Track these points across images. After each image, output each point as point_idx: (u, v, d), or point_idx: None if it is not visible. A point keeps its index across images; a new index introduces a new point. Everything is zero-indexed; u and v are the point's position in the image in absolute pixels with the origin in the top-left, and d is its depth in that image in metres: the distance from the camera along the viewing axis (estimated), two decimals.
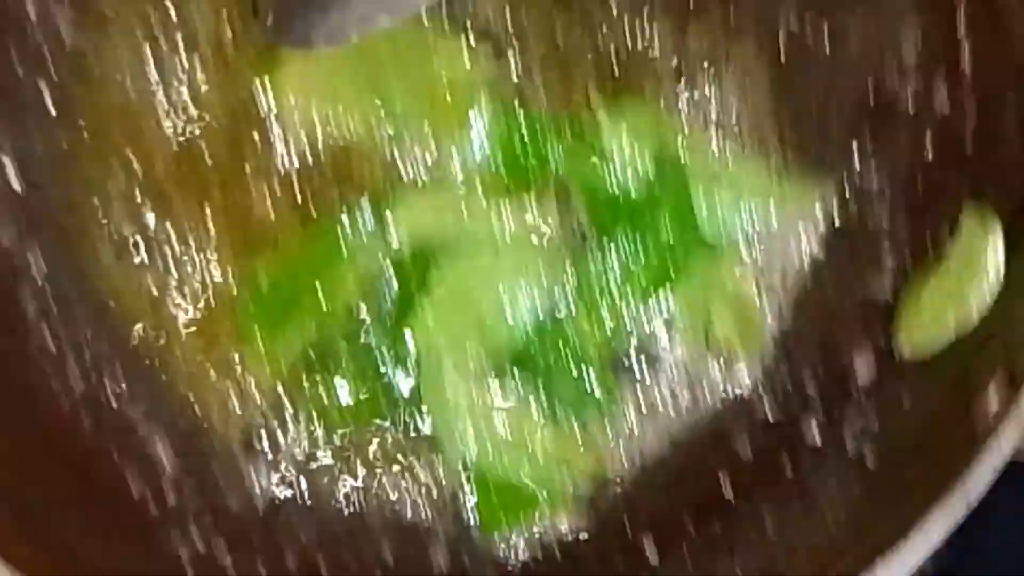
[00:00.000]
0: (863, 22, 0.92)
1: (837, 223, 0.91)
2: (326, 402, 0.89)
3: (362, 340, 0.90)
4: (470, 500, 0.89)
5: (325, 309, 0.89)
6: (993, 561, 0.95)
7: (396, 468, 0.90)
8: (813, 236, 0.91)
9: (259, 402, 0.90)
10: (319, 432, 0.89)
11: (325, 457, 0.90)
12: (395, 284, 0.89)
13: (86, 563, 0.79)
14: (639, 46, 0.93)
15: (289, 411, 0.90)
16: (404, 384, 0.89)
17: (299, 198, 0.91)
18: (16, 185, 0.88)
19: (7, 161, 0.89)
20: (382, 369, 0.89)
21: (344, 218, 0.89)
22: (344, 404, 0.89)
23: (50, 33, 0.90)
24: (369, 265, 0.90)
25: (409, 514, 0.90)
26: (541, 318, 0.89)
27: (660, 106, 0.92)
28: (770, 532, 0.85)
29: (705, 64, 0.92)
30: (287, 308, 0.89)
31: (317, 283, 0.89)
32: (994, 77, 0.87)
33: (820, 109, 0.92)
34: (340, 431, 0.89)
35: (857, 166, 0.91)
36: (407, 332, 0.87)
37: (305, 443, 0.89)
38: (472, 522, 0.89)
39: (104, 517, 0.84)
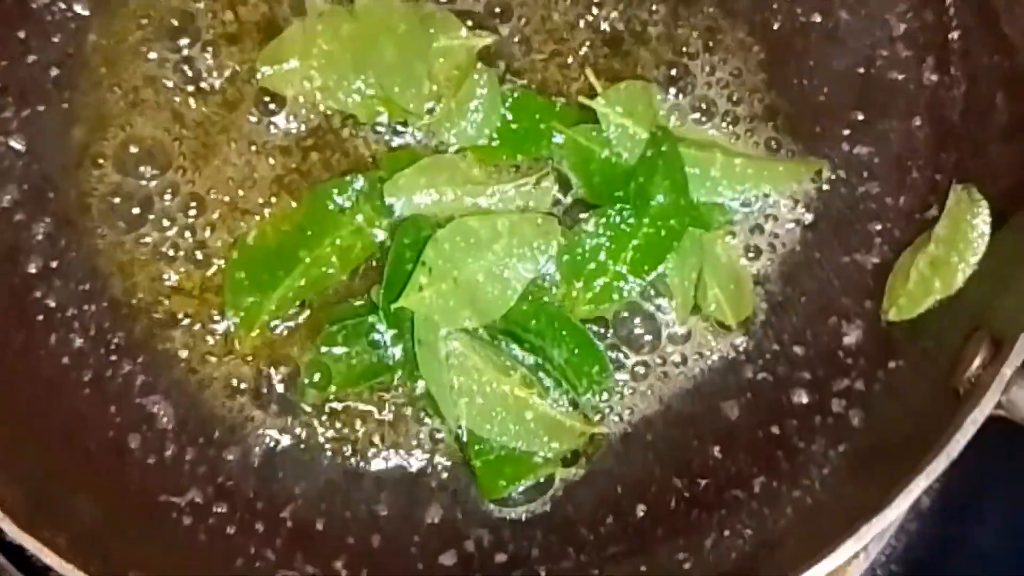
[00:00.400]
0: (853, 3, 0.93)
1: (827, 194, 0.92)
2: (321, 366, 0.90)
3: (356, 306, 0.91)
4: (467, 462, 0.89)
5: (315, 275, 0.90)
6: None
7: (393, 425, 0.91)
8: (804, 206, 0.92)
9: (255, 362, 0.91)
10: (313, 391, 0.90)
11: (322, 413, 0.91)
12: (390, 252, 0.90)
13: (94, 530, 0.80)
14: (636, 22, 0.94)
15: (284, 371, 0.91)
16: (397, 350, 0.89)
17: (294, 165, 0.92)
18: (18, 146, 0.90)
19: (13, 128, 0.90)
20: (375, 336, 0.90)
21: (336, 187, 0.90)
22: (337, 368, 0.89)
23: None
24: (363, 233, 0.91)
25: (404, 468, 0.91)
26: (533, 286, 0.90)
27: (654, 80, 0.93)
28: (757, 490, 0.86)
29: (699, 40, 0.94)
30: (275, 273, 0.90)
31: (305, 249, 0.90)
32: (982, 59, 0.89)
33: (812, 84, 0.94)
34: (335, 390, 0.90)
35: (848, 140, 0.93)
36: (401, 299, 0.86)
37: (301, 401, 0.90)
38: (467, 479, 0.90)
39: (110, 486, 0.85)
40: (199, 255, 0.91)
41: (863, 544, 0.72)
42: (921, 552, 0.97)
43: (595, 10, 0.94)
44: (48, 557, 0.71)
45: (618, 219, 0.90)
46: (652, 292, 0.92)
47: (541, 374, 0.89)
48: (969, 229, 0.83)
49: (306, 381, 0.90)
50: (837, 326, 0.90)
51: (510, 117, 0.92)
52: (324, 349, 0.89)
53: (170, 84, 0.92)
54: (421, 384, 0.90)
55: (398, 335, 0.89)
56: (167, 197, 0.91)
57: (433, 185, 0.90)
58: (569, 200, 0.92)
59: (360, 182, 0.90)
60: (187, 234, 0.91)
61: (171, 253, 0.91)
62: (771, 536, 0.82)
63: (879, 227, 0.91)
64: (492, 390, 0.87)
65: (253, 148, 0.92)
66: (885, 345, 0.87)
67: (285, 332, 0.91)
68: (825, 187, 0.92)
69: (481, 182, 0.91)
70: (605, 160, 0.91)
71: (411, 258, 0.88)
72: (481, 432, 0.88)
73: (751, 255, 0.92)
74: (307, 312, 0.91)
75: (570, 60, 0.94)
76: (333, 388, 0.90)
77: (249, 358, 0.91)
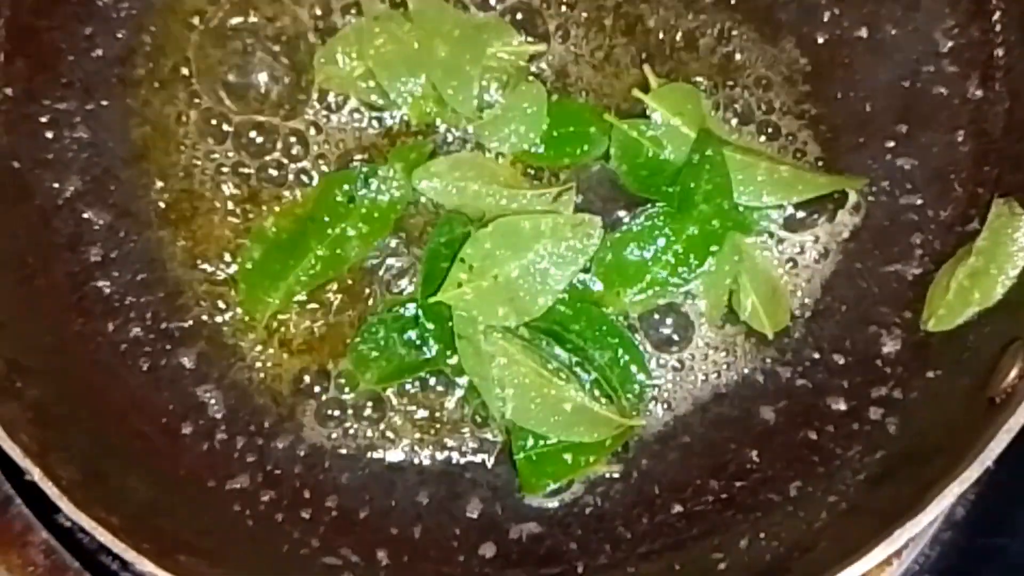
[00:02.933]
0: (900, 18, 0.95)
1: (870, 205, 0.93)
2: (362, 360, 0.92)
3: (397, 299, 0.93)
4: (509, 458, 0.91)
5: (326, 263, 0.92)
6: None
7: (435, 420, 0.93)
8: (847, 215, 0.93)
9: (303, 355, 0.93)
10: (356, 385, 0.92)
11: (366, 407, 0.93)
12: (425, 249, 0.92)
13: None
14: (686, 33, 0.96)
15: (330, 365, 0.93)
16: (436, 345, 0.91)
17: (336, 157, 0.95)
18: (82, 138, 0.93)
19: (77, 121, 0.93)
20: (413, 332, 0.91)
21: (345, 178, 0.92)
22: (377, 363, 0.91)
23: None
24: (371, 222, 0.93)
25: (446, 462, 0.92)
26: (573, 286, 0.91)
27: (703, 89, 0.95)
28: (793, 494, 0.87)
29: (746, 50, 0.96)
30: (286, 262, 0.92)
31: (315, 239, 0.92)
32: None
33: (857, 96, 0.95)
34: (376, 384, 0.92)
35: (891, 152, 0.94)
36: (440, 293, 0.88)
37: (346, 395, 0.93)
38: (507, 475, 0.91)
39: (163, 470, 0.88)
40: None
41: (895, 548, 0.74)
42: (954, 562, 0.97)
43: (644, 21, 0.96)
44: (103, 536, 0.73)
45: (661, 221, 0.91)
46: (691, 294, 0.93)
47: (579, 370, 0.90)
48: (1010, 242, 0.84)
49: (347, 376, 0.92)
50: (876, 335, 0.90)
51: (551, 123, 0.94)
52: (364, 344, 0.91)
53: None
54: (462, 380, 0.92)
55: (437, 330, 0.91)
56: (224, 190, 0.94)
57: (464, 180, 0.92)
58: (609, 201, 0.94)
59: (396, 176, 0.92)
60: (239, 226, 0.94)
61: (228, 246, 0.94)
62: (805, 539, 0.82)
63: (920, 239, 0.92)
64: (531, 382, 0.88)
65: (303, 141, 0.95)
66: (923, 355, 0.88)
67: (328, 326, 0.93)
68: (869, 198, 0.93)
69: (511, 185, 0.92)
70: (653, 156, 0.92)
71: (447, 255, 0.90)
72: (522, 423, 0.89)
73: (792, 263, 0.94)
74: (350, 308, 0.94)
75: (617, 65, 0.96)
76: (374, 382, 0.92)
77: (297, 351, 0.93)
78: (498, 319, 0.89)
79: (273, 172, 0.94)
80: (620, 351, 0.91)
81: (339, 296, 0.94)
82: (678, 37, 0.96)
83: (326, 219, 0.92)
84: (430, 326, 0.91)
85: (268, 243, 0.93)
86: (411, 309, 0.92)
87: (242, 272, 0.93)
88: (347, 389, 0.93)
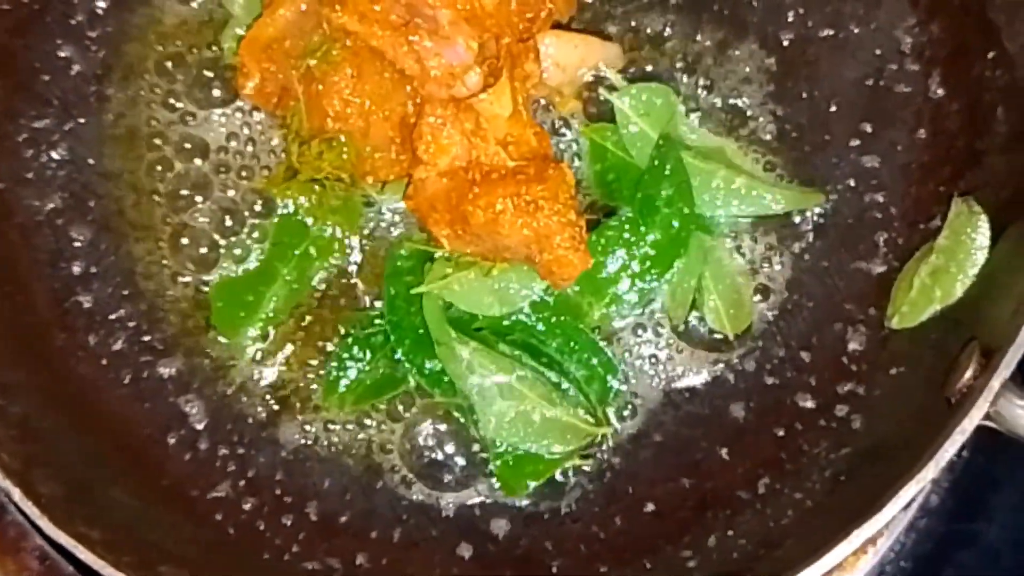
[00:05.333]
0: (863, 16, 0.95)
1: (835, 203, 0.94)
2: (336, 384, 0.93)
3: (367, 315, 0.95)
4: (485, 461, 0.92)
5: (293, 286, 0.94)
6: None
7: (413, 424, 0.94)
8: (813, 214, 0.94)
9: (283, 365, 0.95)
10: (332, 406, 0.94)
11: (346, 415, 0.94)
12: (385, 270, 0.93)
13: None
14: (649, 32, 0.97)
15: (310, 375, 0.95)
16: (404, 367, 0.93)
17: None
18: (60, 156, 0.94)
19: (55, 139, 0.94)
20: (386, 351, 0.93)
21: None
22: (351, 386, 0.93)
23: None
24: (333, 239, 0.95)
25: (424, 464, 0.94)
26: (549, 299, 0.92)
27: (670, 90, 0.95)
28: (761, 491, 0.89)
29: (712, 51, 0.96)
30: (256, 289, 0.94)
31: (281, 262, 0.94)
32: (983, 72, 0.90)
33: (822, 95, 0.96)
34: (351, 406, 0.94)
35: (856, 151, 0.95)
36: (426, 284, 0.90)
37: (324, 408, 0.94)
38: (484, 476, 0.93)
39: (145, 482, 0.89)
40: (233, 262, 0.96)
41: (855, 547, 0.75)
42: (930, 548, 0.98)
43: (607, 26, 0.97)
44: (83, 554, 0.75)
45: (626, 230, 0.92)
46: (656, 299, 0.94)
47: (552, 381, 0.92)
48: (969, 241, 0.84)
49: (324, 397, 0.93)
50: (842, 332, 0.92)
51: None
52: (338, 367, 0.93)
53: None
54: (438, 390, 0.93)
55: (407, 348, 0.92)
56: (200, 203, 0.96)
57: None
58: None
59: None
60: (221, 241, 0.95)
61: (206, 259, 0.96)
62: (772, 536, 0.84)
63: (884, 236, 0.93)
64: (504, 394, 0.90)
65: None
66: (887, 352, 0.89)
67: (306, 334, 0.95)
68: (834, 196, 0.94)
69: None
70: (619, 160, 0.93)
71: (410, 268, 0.93)
72: (495, 436, 0.91)
73: (758, 261, 0.95)
74: (328, 317, 0.95)
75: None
76: (349, 405, 0.93)
77: (277, 361, 0.95)
78: (484, 309, 0.90)
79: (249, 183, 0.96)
80: (596, 365, 0.93)
81: (316, 305, 0.95)
82: (644, 38, 0.97)
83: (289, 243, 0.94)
84: (398, 351, 0.92)
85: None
86: (380, 327, 0.93)
87: (216, 292, 0.95)
88: (324, 406, 0.94)
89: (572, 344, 0.92)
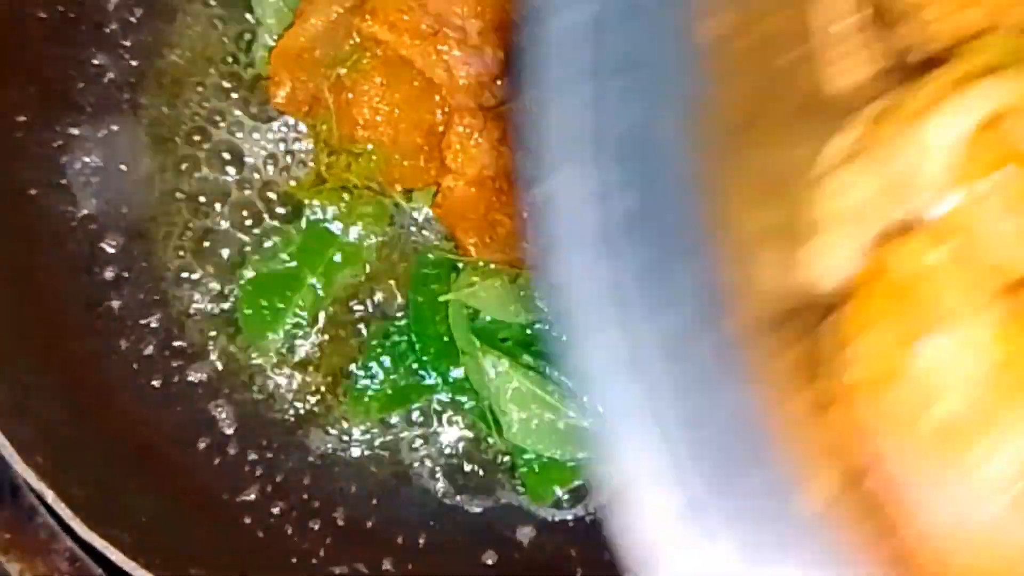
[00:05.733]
0: None
1: None
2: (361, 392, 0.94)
3: (395, 324, 0.95)
4: (512, 468, 0.94)
5: (321, 291, 0.95)
6: None
7: (440, 433, 0.95)
8: None
9: (312, 371, 0.96)
10: (358, 414, 0.95)
11: (373, 421, 0.95)
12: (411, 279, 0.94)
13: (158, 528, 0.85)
14: None
15: (338, 380, 0.96)
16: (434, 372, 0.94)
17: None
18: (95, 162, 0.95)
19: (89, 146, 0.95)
20: (412, 359, 0.93)
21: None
22: (377, 394, 0.94)
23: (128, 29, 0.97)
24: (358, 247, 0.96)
25: (451, 471, 0.95)
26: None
27: None
28: None
29: None
30: (284, 294, 0.95)
31: (308, 269, 0.95)
32: None
33: None
34: (376, 413, 0.95)
35: None
36: (452, 292, 0.90)
37: (353, 411, 0.95)
38: (509, 483, 0.94)
39: (175, 486, 0.90)
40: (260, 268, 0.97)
41: None
42: None
43: None
44: (114, 555, 0.76)
45: None
46: None
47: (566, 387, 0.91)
48: None
49: (350, 405, 0.95)
50: None
51: None
52: (363, 375, 0.94)
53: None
54: (464, 398, 0.94)
55: (433, 356, 0.93)
56: (228, 210, 0.97)
57: None
58: None
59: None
60: (249, 247, 0.97)
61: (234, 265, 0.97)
62: None
63: None
64: (529, 402, 0.90)
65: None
66: None
67: (334, 340, 0.96)
68: None
69: None
70: None
71: (437, 276, 0.93)
72: (520, 443, 0.91)
73: None
74: (356, 322, 0.96)
75: None
76: (375, 411, 0.94)
77: (304, 368, 0.96)
78: (509, 316, 0.91)
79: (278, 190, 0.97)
80: None
81: (342, 312, 0.96)
82: None
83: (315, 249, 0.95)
84: (424, 359, 0.93)
85: (263, 282, 0.96)
86: (404, 335, 0.94)
87: (244, 297, 0.96)
88: (349, 415, 0.95)
89: None
